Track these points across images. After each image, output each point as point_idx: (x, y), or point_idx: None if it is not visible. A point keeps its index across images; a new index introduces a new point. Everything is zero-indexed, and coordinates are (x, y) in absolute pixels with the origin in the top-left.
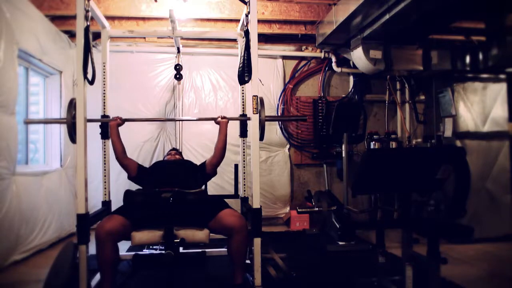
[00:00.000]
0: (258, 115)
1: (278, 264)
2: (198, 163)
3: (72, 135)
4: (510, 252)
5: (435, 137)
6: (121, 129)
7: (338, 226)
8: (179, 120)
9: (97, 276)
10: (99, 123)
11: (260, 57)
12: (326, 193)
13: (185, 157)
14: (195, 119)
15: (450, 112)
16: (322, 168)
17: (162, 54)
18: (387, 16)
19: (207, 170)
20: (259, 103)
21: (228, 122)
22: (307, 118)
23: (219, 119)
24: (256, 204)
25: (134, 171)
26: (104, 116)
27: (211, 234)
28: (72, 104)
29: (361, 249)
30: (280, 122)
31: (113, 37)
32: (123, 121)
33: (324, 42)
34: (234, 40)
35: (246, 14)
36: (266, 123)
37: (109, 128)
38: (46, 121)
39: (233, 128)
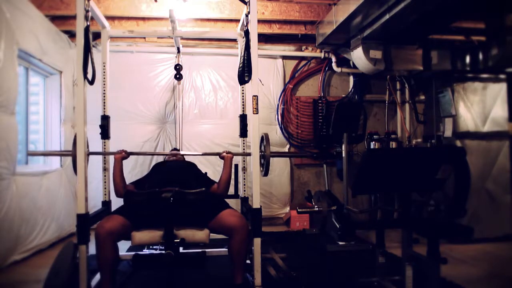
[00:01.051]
0: (258, 115)
1: (278, 264)
2: (198, 163)
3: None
4: (510, 252)
5: (435, 137)
6: (120, 129)
7: (338, 226)
8: (182, 155)
9: (97, 276)
10: (99, 124)
11: (260, 57)
12: (326, 193)
13: (185, 157)
14: (200, 154)
15: (450, 112)
16: (322, 168)
17: (162, 54)
18: (387, 16)
19: (211, 192)
20: (264, 140)
21: (233, 157)
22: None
23: (224, 154)
24: (256, 204)
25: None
26: (104, 116)
27: (211, 234)
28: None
29: (361, 249)
30: (280, 122)
31: (113, 37)
32: (128, 154)
33: (324, 42)
34: (234, 40)
35: (246, 14)
36: (265, 121)
37: (113, 161)
38: (49, 154)
39: (233, 128)
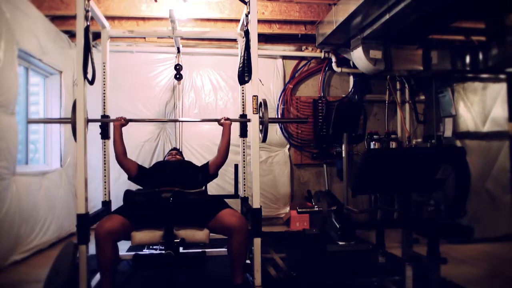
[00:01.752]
0: (258, 115)
1: (278, 264)
2: (198, 163)
3: (76, 135)
4: (510, 252)
5: (435, 137)
6: None
7: (338, 226)
8: (181, 121)
9: (97, 276)
10: (99, 124)
11: (260, 57)
12: (326, 193)
13: (185, 157)
14: (198, 120)
15: (450, 112)
16: (322, 168)
17: (162, 54)
18: (387, 16)
19: (210, 170)
20: (263, 105)
21: (231, 123)
22: (307, 118)
23: (223, 120)
24: (256, 204)
25: (135, 171)
26: (105, 116)
27: (211, 234)
28: (76, 105)
29: (361, 249)
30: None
31: (113, 37)
32: (126, 121)
33: (324, 42)
34: (234, 40)
35: (246, 14)
36: None
37: (112, 128)
38: (49, 121)
39: (233, 128)
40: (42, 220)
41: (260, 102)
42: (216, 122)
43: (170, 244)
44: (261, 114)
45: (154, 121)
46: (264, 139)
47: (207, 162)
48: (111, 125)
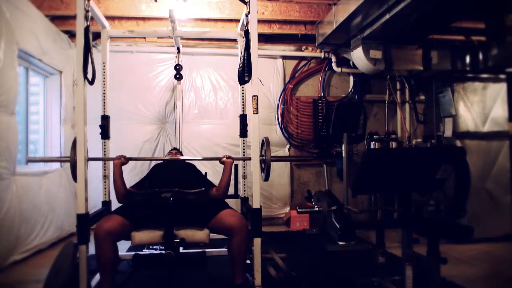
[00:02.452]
0: (258, 115)
1: (278, 264)
2: (198, 163)
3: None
4: (510, 252)
5: (435, 137)
6: (120, 129)
7: (338, 226)
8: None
9: (97, 276)
10: (99, 123)
11: (260, 57)
12: (326, 193)
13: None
14: (199, 158)
15: (450, 112)
16: (322, 168)
17: (162, 54)
18: (387, 16)
19: (210, 195)
20: (265, 144)
21: (233, 162)
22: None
23: (224, 158)
24: (256, 204)
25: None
26: (104, 116)
27: (211, 234)
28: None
29: (361, 249)
30: (280, 122)
31: (113, 37)
32: (127, 159)
33: (324, 42)
34: (234, 40)
35: (246, 14)
36: (265, 121)
37: (112, 166)
38: (48, 160)
39: (233, 128)
40: (42, 220)
41: (263, 141)
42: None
43: (170, 244)
44: (263, 153)
45: (151, 159)
46: (266, 178)
47: (211, 186)
48: (111, 125)
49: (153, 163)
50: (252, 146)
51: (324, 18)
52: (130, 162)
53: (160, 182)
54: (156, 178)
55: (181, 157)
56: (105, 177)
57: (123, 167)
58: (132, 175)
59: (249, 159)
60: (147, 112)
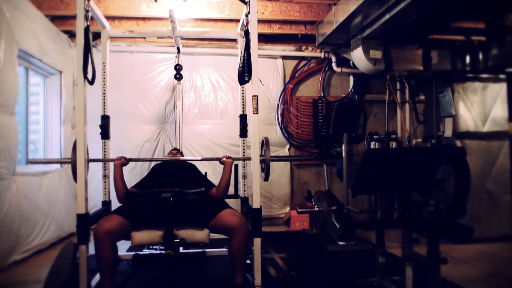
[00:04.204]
0: (258, 115)
1: (278, 264)
2: (198, 163)
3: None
4: (510, 252)
5: (435, 137)
6: (120, 129)
7: (338, 226)
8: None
9: (97, 276)
10: (99, 123)
11: (260, 57)
12: (326, 193)
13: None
14: (199, 159)
15: (450, 112)
16: (322, 168)
17: (162, 54)
18: (387, 16)
19: (210, 195)
20: (265, 144)
21: (233, 162)
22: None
23: (224, 158)
24: (256, 204)
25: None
26: (104, 116)
27: (211, 234)
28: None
29: (361, 249)
30: (280, 122)
31: (113, 37)
32: (127, 160)
33: (324, 42)
34: (234, 40)
35: (246, 14)
36: (265, 121)
37: (112, 167)
38: (49, 161)
39: (233, 128)
40: (42, 220)
41: (262, 141)
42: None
43: (170, 244)
44: (262, 153)
45: (151, 160)
46: (266, 178)
47: (211, 186)
48: (111, 125)
49: (153, 163)
50: (252, 146)
51: (324, 18)
52: (130, 163)
53: (160, 182)
54: (156, 178)
55: (182, 157)
56: (105, 176)
57: (123, 167)
58: (132, 175)
59: (249, 159)
60: (147, 112)
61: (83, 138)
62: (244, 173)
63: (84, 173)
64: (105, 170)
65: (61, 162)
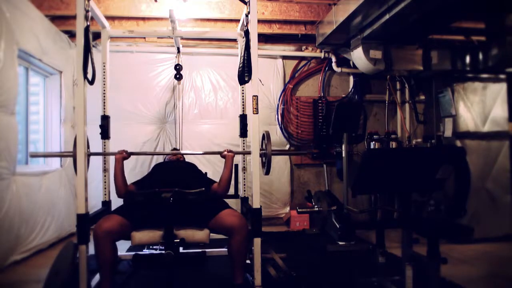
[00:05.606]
0: (258, 115)
1: (278, 264)
2: (198, 163)
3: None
4: (510, 252)
5: (435, 137)
6: (120, 129)
7: (338, 226)
8: (183, 154)
9: (97, 276)
10: (99, 123)
11: (260, 57)
12: (326, 193)
13: (186, 158)
14: (200, 153)
15: (450, 112)
16: (322, 168)
17: (162, 54)
18: (387, 16)
19: (211, 191)
20: (265, 137)
21: (234, 156)
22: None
23: (225, 152)
24: (256, 204)
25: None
26: (104, 116)
27: (211, 234)
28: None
29: (361, 249)
30: (280, 122)
31: (113, 37)
32: (128, 154)
33: (324, 42)
34: (234, 40)
35: (246, 14)
36: (265, 121)
37: (114, 161)
38: (50, 155)
39: (233, 128)
40: (42, 220)
41: (263, 135)
42: (218, 153)
43: (170, 244)
44: (264, 146)
45: (153, 154)
46: (267, 172)
47: (212, 182)
48: (111, 125)
49: (154, 163)
50: (252, 146)
51: (324, 18)
52: (131, 162)
53: (161, 182)
54: (157, 178)
55: (182, 151)
56: (105, 170)
57: (124, 166)
58: (132, 175)
59: (249, 153)
60: (147, 112)
61: (83, 132)
62: (244, 167)
63: (84, 168)
64: (105, 164)
65: (62, 155)
